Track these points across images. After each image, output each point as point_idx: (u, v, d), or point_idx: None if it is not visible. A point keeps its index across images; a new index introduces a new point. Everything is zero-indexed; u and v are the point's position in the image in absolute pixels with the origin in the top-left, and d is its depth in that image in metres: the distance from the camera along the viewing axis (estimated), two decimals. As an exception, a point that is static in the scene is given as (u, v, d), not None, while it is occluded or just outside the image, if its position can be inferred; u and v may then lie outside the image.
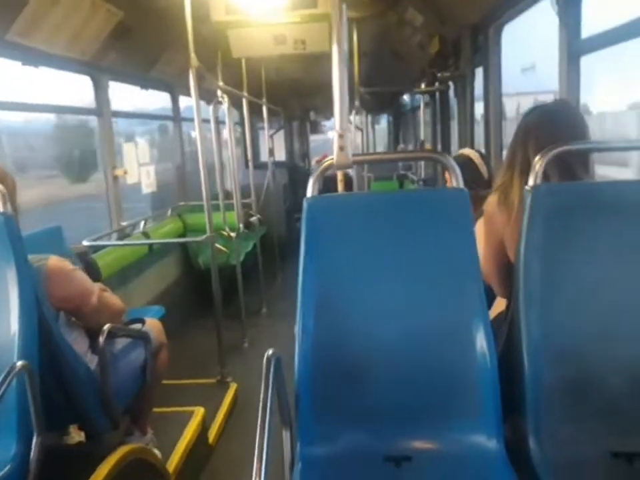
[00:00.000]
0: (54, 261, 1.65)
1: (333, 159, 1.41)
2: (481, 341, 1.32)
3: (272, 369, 1.15)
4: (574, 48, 2.14)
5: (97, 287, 1.82)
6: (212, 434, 2.63)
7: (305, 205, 1.42)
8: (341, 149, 1.37)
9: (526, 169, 1.46)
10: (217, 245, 3.16)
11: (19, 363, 1.34)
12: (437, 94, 4.64)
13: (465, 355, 1.33)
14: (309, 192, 1.43)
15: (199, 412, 2.53)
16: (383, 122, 10.34)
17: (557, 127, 1.50)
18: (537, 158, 1.37)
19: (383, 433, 1.35)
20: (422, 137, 5.32)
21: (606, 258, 1.34)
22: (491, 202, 1.61)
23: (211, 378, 3.09)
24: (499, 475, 1.23)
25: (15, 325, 1.42)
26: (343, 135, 1.37)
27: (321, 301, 1.38)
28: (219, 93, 3.54)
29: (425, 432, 1.34)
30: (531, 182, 1.36)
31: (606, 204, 1.35)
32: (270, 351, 1.19)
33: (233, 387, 3.06)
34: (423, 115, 5.21)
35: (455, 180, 1.42)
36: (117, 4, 2.94)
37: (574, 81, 2.18)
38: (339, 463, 1.30)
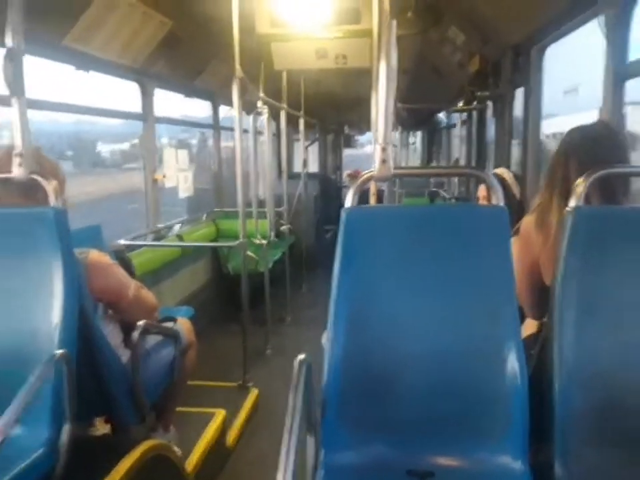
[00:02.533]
0: (94, 254, 1.71)
1: (372, 171, 1.42)
2: (513, 362, 1.31)
3: (302, 374, 1.16)
4: (620, 71, 2.12)
5: (133, 282, 1.87)
6: (231, 437, 2.65)
7: (342, 214, 1.42)
8: (383, 161, 1.38)
9: (565, 190, 1.45)
10: (248, 252, 3.21)
11: (59, 352, 1.38)
12: (475, 113, 4.63)
13: (496, 374, 1.32)
14: (348, 202, 1.44)
15: (220, 414, 2.55)
16: (415, 139, 10.33)
17: (599, 148, 1.48)
18: (579, 180, 1.35)
19: (408, 446, 1.34)
20: (456, 155, 5.30)
21: None
22: (528, 222, 1.59)
23: (234, 382, 3.12)
24: None
25: (57, 314, 1.46)
26: (386, 148, 1.38)
27: (353, 311, 1.38)
28: (259, 103, 3.62)
29: (450, 448, 1.33)
30: (572, 203, 1.34)
31: None
32: (302, 356, 1.20)
33: (254, 392, 3.08)
34: (460, 134, 5.19)
35: (494, 197, 1.41)
36: (167, 14, 3.05)
37: (618, 105, 2.15)
38: (362, 472, 1.30)
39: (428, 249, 1.41)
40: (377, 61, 1.38)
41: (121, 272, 1.83)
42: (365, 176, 1.44)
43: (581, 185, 1.33)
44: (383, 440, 1.35)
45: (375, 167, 1.40)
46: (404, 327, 1.39)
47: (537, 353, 1.46)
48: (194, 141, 5.95)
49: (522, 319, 1.72)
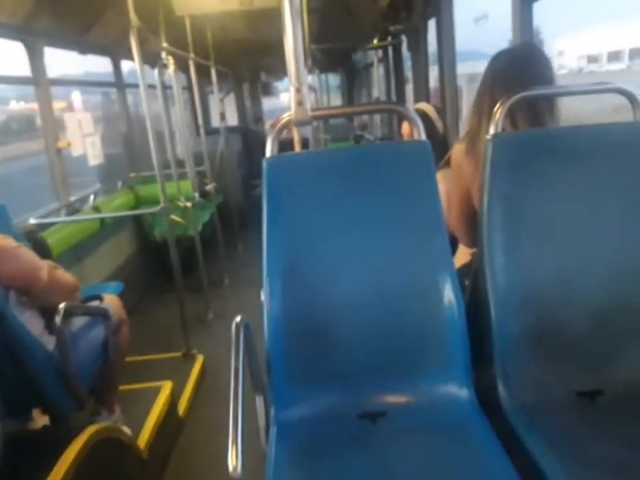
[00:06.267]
0: None
1: (290, 115, 1.35)
2: (448, 293, 1.33)
3: (241, 336, 1.14)
4: None
5: (46, 263, 1.75)
6: (181, 407, 2.61)
7: (264, 165, 1.37)
8: (299, 103, 1.31)
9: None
10: (173, 216, 3.06)
11: None
12: (390, 49, 4.56)
13: (433, 307, 1.34)
14: (268, 152, 1.39)
15: (167, 386, 2.49)
16: (333, 81, 10.15)
17: (523, 70, 1.47)
18: (497, 105, 1.35)
19: (356, 390, 1.35)
20: (376, 94, 5.25)
21: (567, 204, 1.36)
22: (458, 150, 1.59)
23: (177, 352, 3.05)
24: (472, 421, 1.26)
25: None
26: (300, 89, 1.30)
27: (286, 263, 1.36)
28: (164, 55, 3.35)
29: (397, 386, 1.35)
30: (491, 130, 1.35)
31: (567, 150, 1.36)
32: (238, 318, 1.17)
33: (200, 359, 3.03)
34: (377, 72, 5.12)
35: (416, 131, 1.40)
36: None
37: (527, 28, 2.16)
38: (315, 423, 1.30)
39: (355, 190, 1.39)
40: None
41: (29, 254, 1.71)
42: (283, 121, 1.38)
43: (499, 110, 1.34)
44: (330, 388, 1.36)
45: (292, 111, 1.33)
46: (338, 272, 1.38)
47: (471, 281, 1.48)
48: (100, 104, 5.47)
49: (454, 250, 1.76)
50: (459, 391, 1.32)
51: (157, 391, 2.45)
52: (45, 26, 3.18)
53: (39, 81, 3.26)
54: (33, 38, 3.17)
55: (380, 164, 1.41)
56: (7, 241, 1.62)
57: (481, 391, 1.33)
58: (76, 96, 3.75)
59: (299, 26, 1.28)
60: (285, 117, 1.38)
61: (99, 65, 4.53)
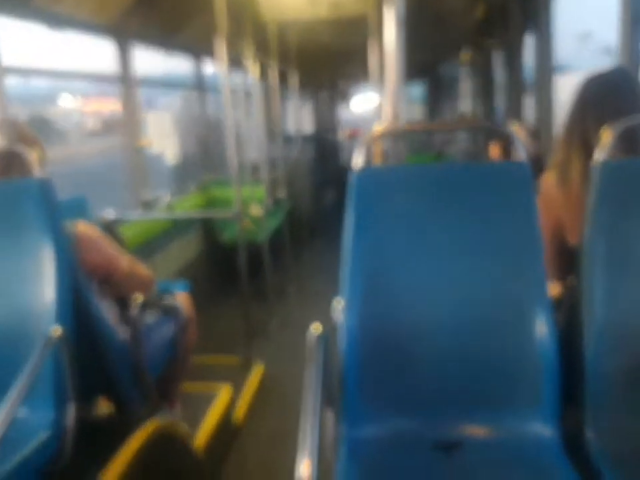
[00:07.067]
0: (82, 227, 1.63)
1: (380, 126, 1.30)
2: (542, 326, 1.25)
3: (319, 347, 1.10)
4: (636, 11, 1.98)
5: (126, 255, 1.79)
6: (238, 413, 2.57)
7: (353, 177, 1.34)
8: (394, 116, 1.22)
9: (585, 145, 1.40)
10: (245, 221, 3.03)
11: (57, 331, 1.33)
12: (481, 63, 4.36)
13: (525, 338, 1.27)
14: (356, 164, 1.34)
15: (226, 389, 2.46)
16: (416, 91, 9.91)
17: (617, 97, 1.42)
18: (605, 131, 1.26)
19: (433, 417, 1.29)
20: (462, 109, 5.04)
21: None
22: (548, 180, 1.52)
23: (237, 357, 3.01)
24: (555, 465, 1.17)
25: (50, 292, 1.40)
26: (398, 101, 1.22)
27: (368, 276, 1.32)
28: (247, 60, 3.35)
29: (477, 417, 1.28)
30: (598, 157, 1.25)
31: None
32: (317, 328, 1.12)
33: (260, 367, 2.99)
34: (465, 86, 4.92)
35: (517, 153, 1.32)
36: None
37: (636, 48, 2.01)
38: (386, 446, 1.24)
39: (445, 209, 1.35)
40: (377, 6, 1.22)
41: (112, 245, 1.75)
42: (375, 133, 1.35)
43: (606, 137, 1.25)
44: (406, 411, 1.30)
45: (383, 122, 1.28)
46: (423, 292, 1.32)
47: (565, 315, 1.39)
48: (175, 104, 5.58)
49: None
50: (544, 430, 1.24)
51: (215, 393, 2.43)
52: (136, 27, 3.27)
53: (126, 78, 3.34)
54: (124, 38, 3.26)
55: (473, 184, 1.36)
56: (93, 230, 1.67)
57: (566, 432, 1.24)
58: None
59: (401, 36, 1.20)
60: (377, 127, 1.35)
61: (177, 66, 4.62)
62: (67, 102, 20.89)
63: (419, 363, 1.31)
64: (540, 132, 2.85)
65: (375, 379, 1.31)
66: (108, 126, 22.15)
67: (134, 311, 1.69)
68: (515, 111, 3.40)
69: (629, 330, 1.23)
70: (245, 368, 2.93)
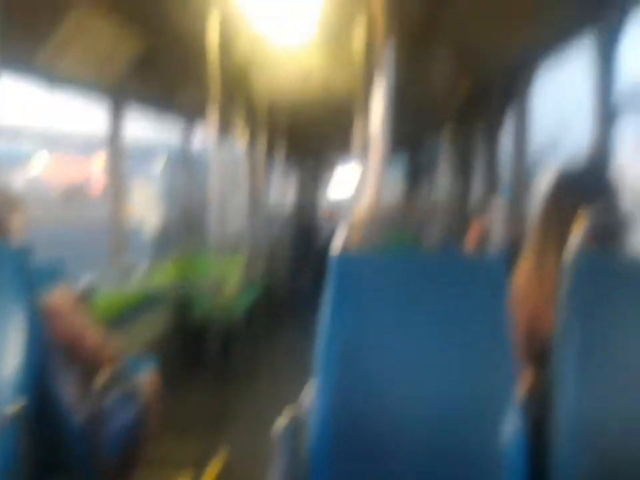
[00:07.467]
0: (56, 297, 1.64)
1: (363, 210, 1.28)
2: (510, 425, 1.24)
3: (284, 441, 1.09)
4: (610, 103, 2.05)
5: (95, 329, 1.78)
6: None
7: (333, 261, 1.34)
8: (376, 195, 1.24)
9: (559, 234, 1.39)
10: (218, 297, 2.98)
11: (15, 407, 1.30)
12: (462, 142, 4.51)
13: (491, 437, 1.26)
14: (337, 248, 1.36)
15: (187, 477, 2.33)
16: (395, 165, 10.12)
17: (592, 183, 1.46)
18: (577, 222, 1.27)
19: None
20: (440, 188, 5.15)
21: None
22: (524, 273, 1.51)
23: (200, 442, 2.86)
24: None
25: (16, 364, 1.38)
26: (378, 185, 1.23)
27: (342, 362, 1.31)
28: (237, 132, 3.42)
29: None
30: (570, 249, 1.26)
31: None
32: (285, 417, 1.12)
33: (223, 452, 2.84)
34: (443, 166, 5.07)
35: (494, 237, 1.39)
36: (140, 35, 2.88)
37: (607, 141, 2.08)
38: None
39: (422, 298, 1.37)
40: (366, 83, 1.26)
41: (83, 318, 1.75)
42: (356, 219, 1.33)
43: (579, 228, 1.26)
44: None
45: (364, 204, 1.28)
46: (395, 379, 1.32)
47: (536, 408, 1.35)
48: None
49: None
50: None
51: None
52: (133, 87, 3.32)
53: (115, 141, 3.34)
54: (120, 98, 3.27)
55: (449, 275, 1.38)
56: (65, 302, 1.68)
57: None
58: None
59: (390, 112, 1.24)
60: (359, 208, 1.34)
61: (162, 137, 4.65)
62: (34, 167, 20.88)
63: (389, 453, 1.29)
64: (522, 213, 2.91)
65: (344, 467, 1.29)
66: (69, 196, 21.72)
67: (95, 392, 1.65)
68: (493, 187, 3.49)
69: (602, 430, 1.22)
70: (208, 453, 2.80)
